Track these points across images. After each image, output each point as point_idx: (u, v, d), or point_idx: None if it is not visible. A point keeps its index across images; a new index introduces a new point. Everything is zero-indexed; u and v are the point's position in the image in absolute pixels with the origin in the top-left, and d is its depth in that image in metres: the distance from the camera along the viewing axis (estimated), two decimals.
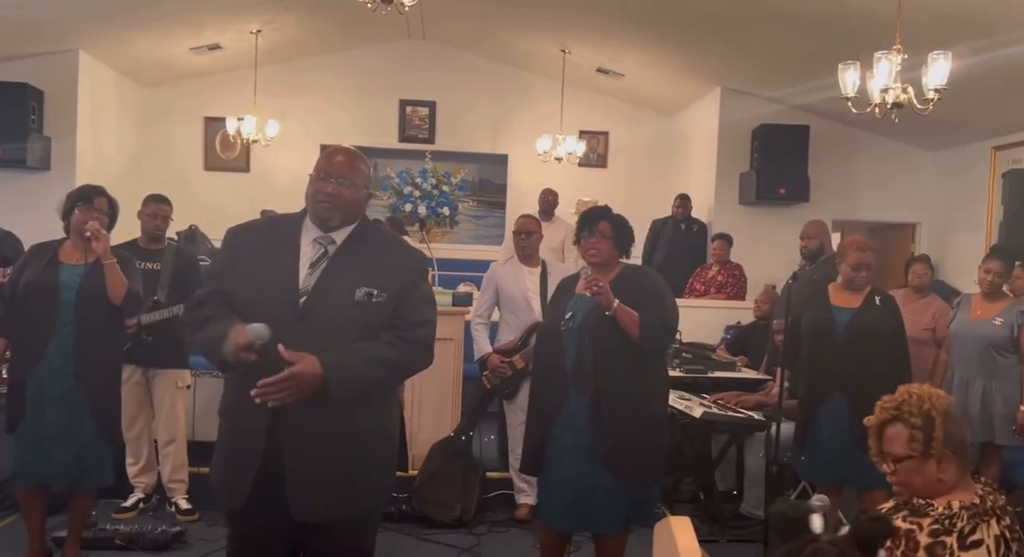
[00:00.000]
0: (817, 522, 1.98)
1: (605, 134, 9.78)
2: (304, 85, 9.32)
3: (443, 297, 4.96)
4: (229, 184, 9.25)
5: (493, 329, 4.88)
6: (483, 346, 4.77)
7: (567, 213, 8.03)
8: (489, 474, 4.92)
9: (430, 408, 4.52)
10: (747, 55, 7.10)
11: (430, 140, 9.55)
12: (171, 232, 5.14)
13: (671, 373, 4.60)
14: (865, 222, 8.23)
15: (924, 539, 2.02)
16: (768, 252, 7.50)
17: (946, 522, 2.02)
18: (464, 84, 9.50)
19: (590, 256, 3.44)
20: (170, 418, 4.55)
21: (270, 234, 2.53)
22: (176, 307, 4.30)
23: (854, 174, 8.05)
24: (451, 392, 5.10)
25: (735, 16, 6.15)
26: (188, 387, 4.73)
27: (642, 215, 6.87)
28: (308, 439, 2.34)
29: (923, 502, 2.08)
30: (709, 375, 5.18)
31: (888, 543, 1.79)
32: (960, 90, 4.49)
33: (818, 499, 2.14)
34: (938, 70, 4.29)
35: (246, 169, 9.48)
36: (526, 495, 4.67)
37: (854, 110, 4.56)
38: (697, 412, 4.44)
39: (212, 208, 7.86)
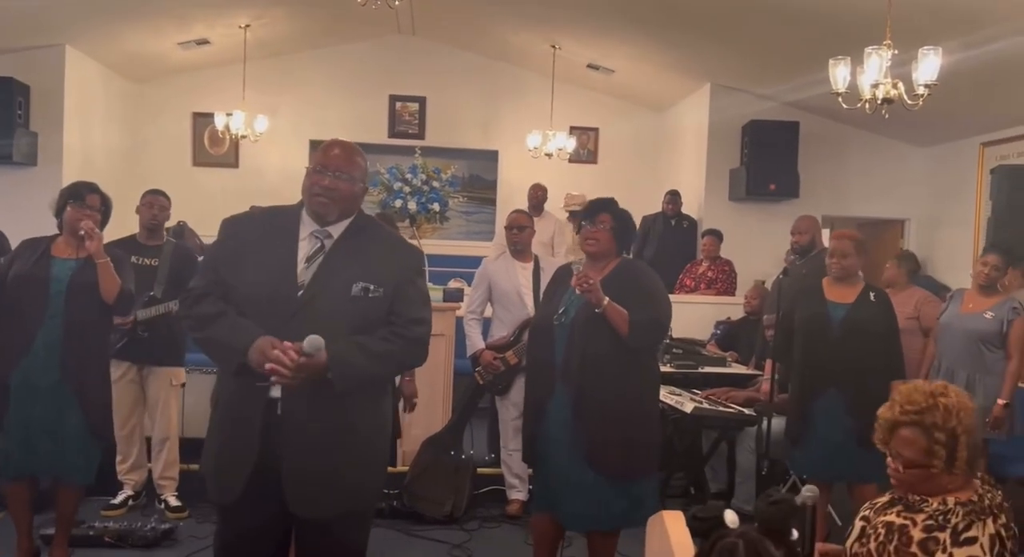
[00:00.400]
0: (730, 517, 1.95)
1: (595, 130, 9.77)
2: (293, 80, 9.27)
3: (434, 293, 4.92)
4: (218, 180, 9.18)
5: (486, 325, 4.86)
6: (476, 342, 4.75)
7: (556, 208, 8.03)
8: (480, 470, 4.91)
9: (421, 404, 4.51)
10: (737, 51, 7.11)
11: (420, 136, 9.51)
12: None
13: (661, 369, 4.59)
14: (854, 218, 8.25)
15: (917, 534, 2.00)
16: (758, 248, 7.51)
17: (940, 518, 2.00)
18: (454, 80, 9.46)
19: (588, 246, 3.37)
20: (164, 416, 4.52)
21: (267, 227, 2.50)
22: (172, 302, 4.23)
23: (844, 170, 8.08)
24: (442, 388, 5.09)
25: (725, 12, 6.15)
26: (183, 385, 4.68)
27: (632, 211, 6.66)
28: (305, 433, 2.33)
29: (919, 498, 2.06)
30: (699, 371, 5.19)
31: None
32: (949, 86, 4.51)
33: (808, 490, 2.10)
34: (928, 65, 4.30)
35: (235, 165, 9.41)
36: (517, 491, 4.67)
37: (844, 105, 4.57)
38: (688, 408, 4.45)
39: (201, 204, 7.79)
